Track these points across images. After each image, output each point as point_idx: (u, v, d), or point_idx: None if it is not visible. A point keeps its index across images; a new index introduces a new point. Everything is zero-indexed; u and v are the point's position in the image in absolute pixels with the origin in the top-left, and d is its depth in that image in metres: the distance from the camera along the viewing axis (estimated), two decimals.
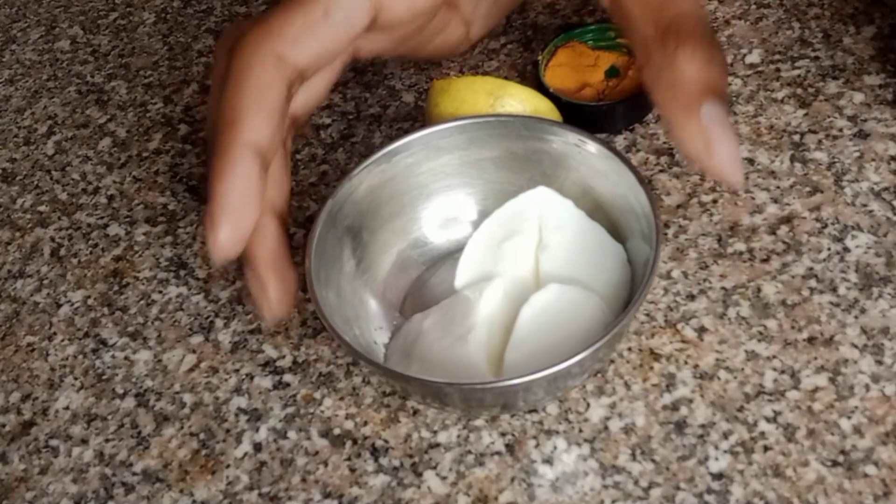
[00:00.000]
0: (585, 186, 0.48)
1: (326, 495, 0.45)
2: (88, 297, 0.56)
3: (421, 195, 0.50)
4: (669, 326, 0.48)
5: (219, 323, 0.53)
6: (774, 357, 0.46)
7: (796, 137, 0.54)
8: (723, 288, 0.49)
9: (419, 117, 0.60)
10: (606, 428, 0.45)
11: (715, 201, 0.52)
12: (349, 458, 0.46)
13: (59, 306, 0.56)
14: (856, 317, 0.46)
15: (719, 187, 0.53)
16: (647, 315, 0.48)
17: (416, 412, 0.47)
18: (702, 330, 0.47)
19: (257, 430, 0.48)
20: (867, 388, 0.44)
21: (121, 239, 0.58)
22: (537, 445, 0.45)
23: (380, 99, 0.62)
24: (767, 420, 0.44)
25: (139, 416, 0.50)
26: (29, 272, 0.58)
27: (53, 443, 0.50)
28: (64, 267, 0.58)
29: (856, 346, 0.45)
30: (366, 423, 0.47)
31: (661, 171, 0.54)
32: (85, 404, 0.51)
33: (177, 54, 0.69)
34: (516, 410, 0.46)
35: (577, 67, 0.57)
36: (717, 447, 0.43)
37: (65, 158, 0.64)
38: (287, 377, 0.50)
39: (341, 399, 0.48)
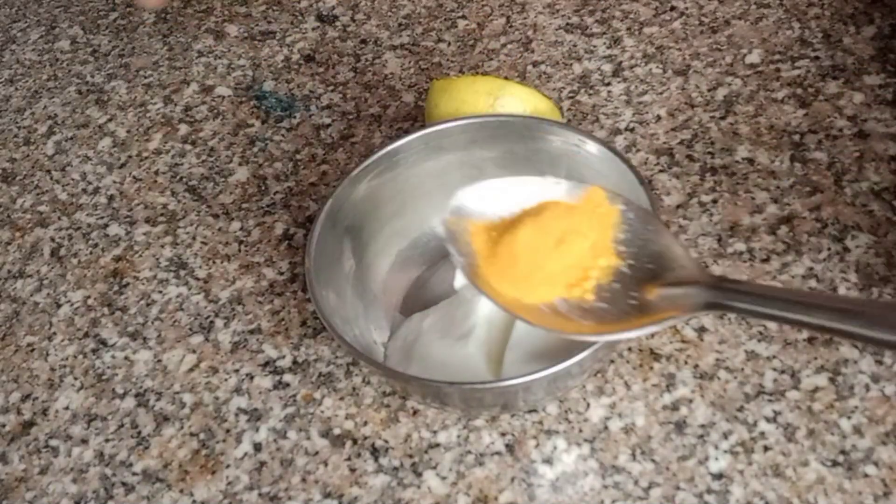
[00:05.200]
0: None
1: (326, 495, 0.45)
2: (88, 297, 0.56)
3: (421, 195, 0.50)
4: (669, 326, 0.48)
5: (219, 323, 0.53)
6: (774, 357, 0.46)
7: (796, 137, 0.54)
8: None
9: (419, 117, 0.60)
10: (606, 428, 0.45)
11: (715, 201, 0.52)
12: (349, 458, 0.46)
13: (59, 306, 0.56)
14: None
15: (719, 187, 0.53)
16: None
17: (416, 412, 0.47)
18: (702, 330, 0.47)
19: (257, 430, 0.48)
20: (867, 388, 0.44)
21: (121, 239, 0.58)
22: (537, 445, 0.45)
23: (380, 99, 0.62)
24: (767, 420, 0.44)
25: (139, 416, 0.50)
26: (29, 272, 0.58)
27: (53, 443, 0.50)
28: (64, 267, 0.58)
29: (856, 346, 0.45)
30: (366, 423, 0.47)
31: (661, 171, 0.54)
32: (85, 404, 0.51)
33: (177, 54, 0.69)
34: (516, 410, 0.46)
35: None
36: (717, 447, 0.43)
37: (65, 158, 0.64)
38: (287, 377, 0.50)
39: (341, 399, 0.48)
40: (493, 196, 0.41)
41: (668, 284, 0.36)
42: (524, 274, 0.38)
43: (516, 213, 0.40)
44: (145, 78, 0.68)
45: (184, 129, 0.64)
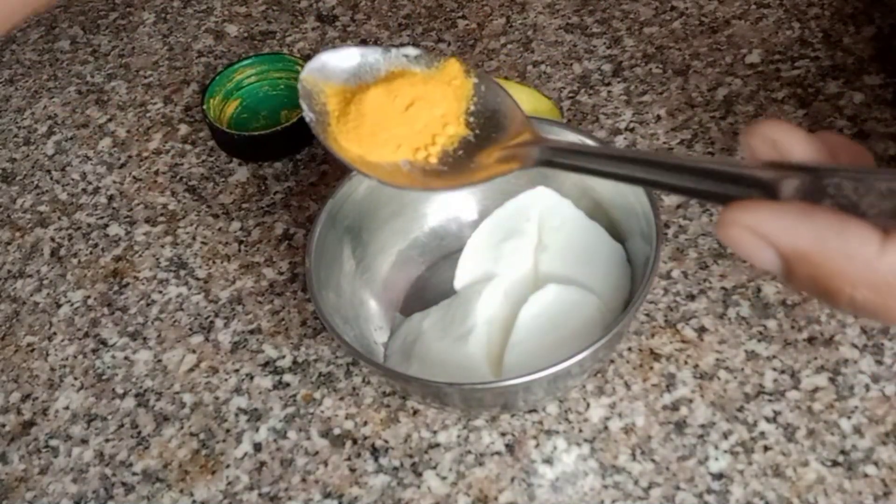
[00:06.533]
0: (585, 186, 0.48)
1: (326, 495, 0.45)
2: (88, 297, 0.56)
3: (421, 195, 0.50)
4: (669, 326, 0.48)
5: (219, 323, 0.53)
6: (774, 357, 0.46)
7: None
8: (723, 288, 0.49)
9: None
10: (606, 428, 0.45)
11: None
12: (349, 458, 0.46)
13: (59, 306, 0.56)
14: (855, 317, 0.46)
15: None
16: (647, 315, 0.48)
17: (416, 412, 0.47)
18: (702, 330, 0.47)
19: (257, 430, 0.48)
20: (867, 388, 0.44)
21: (121, 239, 0.58)
22: (537, 445, 0.45)
23: None
24: (767, 420, 0.44)
25: (139, 416, 0.50)
26: (29, 272, 0.58)
27: (53, 443, 0.50)
28: (64, 267, 0.58)
29: (856, 346, 0.45)
30: (366, 423, 0.47)
31: None
32: (85, 404, 0.51)
33: (177, 54, 0.69)
34: (516, 410, 0.46)
35: None
36: (717, 447, 0.43)
37: (65, 158, 0.64)
38: (287, 377, 0.50)
39: (341, 399, 0.48)
40: (352, 62, 0.43)
41: (507, 147, 0.39)
42: (369, 132, 0.40)
43: (373, 80, 0.42)
44: (145, 78, 0.68)
45: (184, 129, 0.64)
